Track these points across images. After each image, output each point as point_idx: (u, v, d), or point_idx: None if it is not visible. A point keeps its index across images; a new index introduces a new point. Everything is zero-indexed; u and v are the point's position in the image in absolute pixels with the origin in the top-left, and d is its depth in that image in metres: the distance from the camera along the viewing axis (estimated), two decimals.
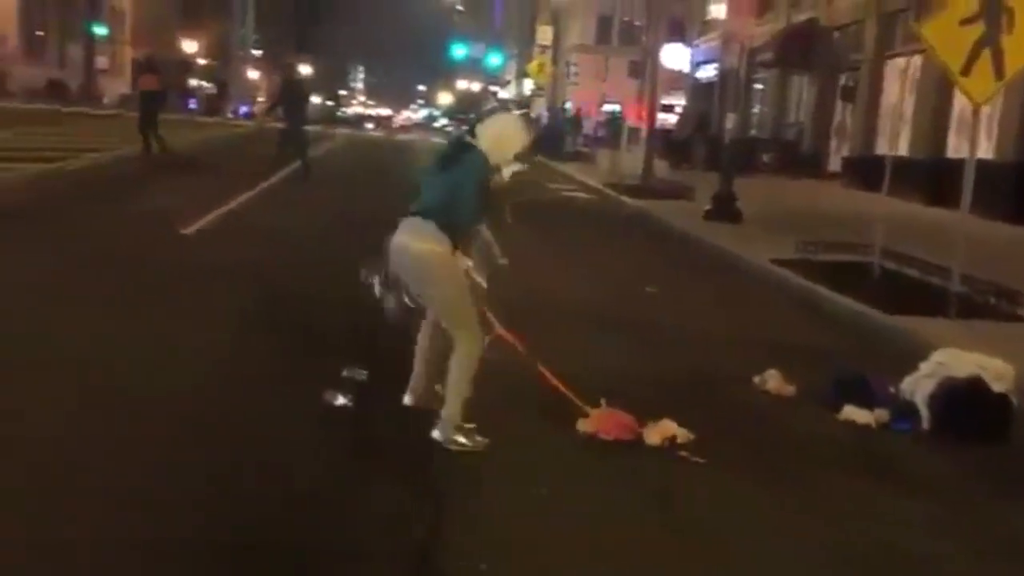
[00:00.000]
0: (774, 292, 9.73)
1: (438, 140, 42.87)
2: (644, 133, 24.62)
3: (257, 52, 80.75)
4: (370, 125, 61.61)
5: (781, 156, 25.95)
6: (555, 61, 36.10)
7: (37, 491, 3.58)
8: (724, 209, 14.42)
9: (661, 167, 22.16)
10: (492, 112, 4.95)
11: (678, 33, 36.36)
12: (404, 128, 66.38)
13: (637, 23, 39.66)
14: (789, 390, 5.76)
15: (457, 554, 3.43)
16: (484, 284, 4.56)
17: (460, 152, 4.43)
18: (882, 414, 5.35)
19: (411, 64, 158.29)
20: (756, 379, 5.88)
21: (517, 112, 4.93)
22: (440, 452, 4.30)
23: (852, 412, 5.36)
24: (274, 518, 3.56)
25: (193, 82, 62.38)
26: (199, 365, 5.33)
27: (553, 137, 32.58)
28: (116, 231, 9.84)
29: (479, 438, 4.36)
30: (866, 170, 19.44)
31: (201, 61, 66.02)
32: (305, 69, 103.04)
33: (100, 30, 51.59)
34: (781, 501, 4.19)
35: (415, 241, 4.30)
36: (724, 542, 3.74)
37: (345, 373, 5.07)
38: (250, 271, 8.01)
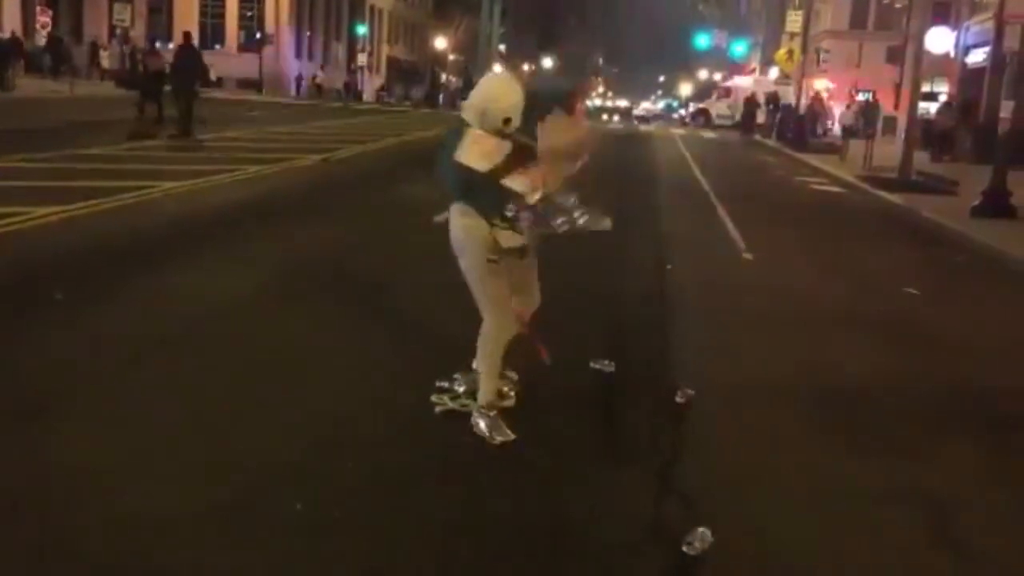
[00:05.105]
0: None
1: (675, 130, 42.63)
2: (901, 122, 23.04)
3: (502, 47, 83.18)
4: (605, 117, 61.12)
5: None
6: (804, 48, 34.46)
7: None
8: (996, 205, 13.21)
9: (920, 159, 20.64)
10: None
11: (943, 15, 33.69)
12: (641, 119, 65.87)
13: (897, 5, 37.24)
14: None
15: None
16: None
17: (453, 131, 4.22)
18: None
19: (651, 55, 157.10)
20: None
21: (504, 71, 4.36)
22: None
23: None
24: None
25: (444, 77, 65.25)
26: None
27: (798, 127, 31.28)
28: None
29: (507, 431, 4.19)
30: None
31: (451, 57, 68.99)
32: (546, 63, 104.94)
33: (361, 29, 55.22)
34: None
35: (453, 220, 4.28)
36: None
37: (593, 365, 5.17)
38: None
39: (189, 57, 18.64)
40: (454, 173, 4.12)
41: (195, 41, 20.88)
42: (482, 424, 4.22)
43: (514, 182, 4.08)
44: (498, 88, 4.18)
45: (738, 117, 42.49)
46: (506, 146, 4.09)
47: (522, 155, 4.10)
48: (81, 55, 37.82)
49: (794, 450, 4.45)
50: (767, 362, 5.88)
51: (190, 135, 17.47)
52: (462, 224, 4.24)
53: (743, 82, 48.41)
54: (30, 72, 32.56)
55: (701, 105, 52.67)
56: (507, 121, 4.08)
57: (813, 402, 5.12)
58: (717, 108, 47.85)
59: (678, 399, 4.81)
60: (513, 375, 4.64)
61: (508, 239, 4.19)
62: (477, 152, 4.08)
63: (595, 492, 3.77)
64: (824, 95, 36.37)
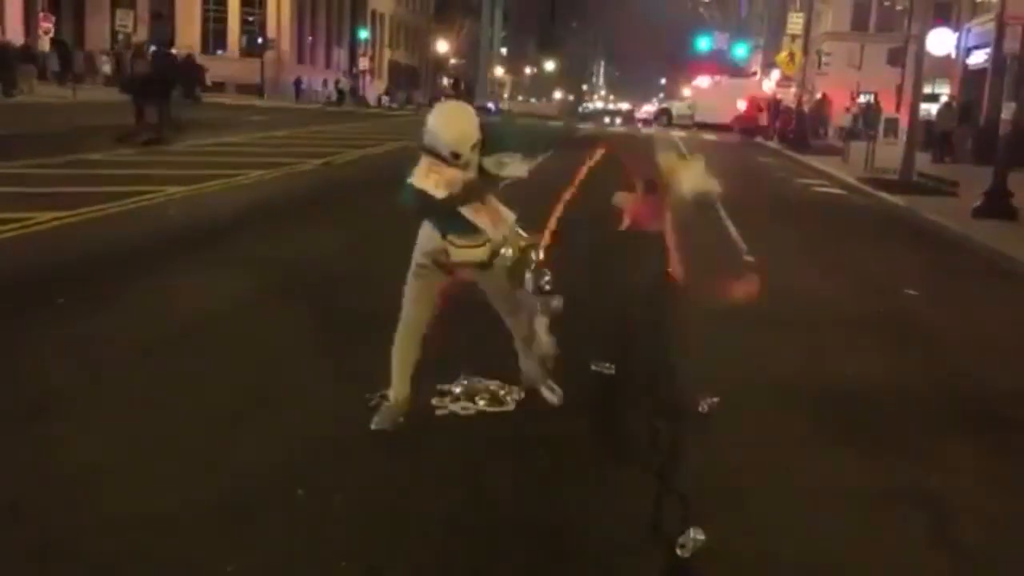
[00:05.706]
0: None
1: (676, 132, 42.68)
2: (903, 124, 23.05)
3: (504, 50, 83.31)
4: (607, 120, 61.53)
5: None
6: (805, 50, 34.47)
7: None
8: (997, 206, 13.21)
9: (922, 161, 20.64)
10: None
11: (944, 16, 33.69)
12: (644, 122, 65.91)
13: (898, 7, 37.28)
14: None
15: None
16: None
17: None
18: None
19: (652, 58, 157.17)
20: None
21: (456, 102, 4.27)
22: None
23: None
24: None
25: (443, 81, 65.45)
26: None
27: (800, 129, 31.28)
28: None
29: (389, 423, 4.22)
30: None
31: (452, 61, 69.12)
32: (548, 66, 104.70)
33: (363, 34, 55.40)
34: None
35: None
36: None
37: (594, 367, 5.17)
38: None
39: (162, 65, 18.92)
40: (410, 195, 4.01)
41: (197, 49, 21.07)
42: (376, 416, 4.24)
43: (477, 218, 4.04)
44: (440, 119, 3.99)
45: (697, 117, 47.50)
46: (462, 177, 3.98)
47: (480, 190, 4.05)
48: (103, 63, 38.04)
49: (794, 450, 4.45)
50: (768, 363, 5.87)
51: (173, 138, 17.33)
52: (423, 231, 4.25)
53: (702, 83, 52.08)
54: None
55: (663, 105, 58.34)
56: (455, 155, 3.91)
57: (814, 402, 5.11)
58: (677, 108, 52.32)
59: (701, 409, 4.73)
60: (493, 383, 4.64)
61: (459, 254, 4.17)
62: (433, 180, 3.97)
63: (595, 492, 3.78)
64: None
